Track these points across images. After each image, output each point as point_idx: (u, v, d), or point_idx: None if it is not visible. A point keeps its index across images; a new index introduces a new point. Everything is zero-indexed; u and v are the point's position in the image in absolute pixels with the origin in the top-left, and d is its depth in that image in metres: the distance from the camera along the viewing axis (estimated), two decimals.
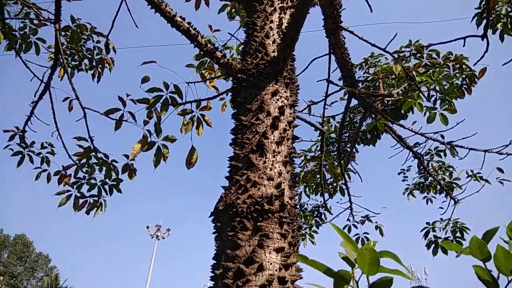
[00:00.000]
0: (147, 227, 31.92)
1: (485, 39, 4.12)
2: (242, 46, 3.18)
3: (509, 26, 4.93)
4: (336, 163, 4.93)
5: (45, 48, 5.58)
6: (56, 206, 4.96)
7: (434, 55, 5.43)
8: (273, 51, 2.89)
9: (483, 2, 4.98)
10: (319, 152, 4.43)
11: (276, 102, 2.62)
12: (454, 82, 5.30)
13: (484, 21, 4.04)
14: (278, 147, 2.49)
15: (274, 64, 2.66)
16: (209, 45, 3.05)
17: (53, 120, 5.18)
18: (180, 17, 3.10)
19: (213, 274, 2.16)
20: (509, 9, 5.07)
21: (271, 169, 2.39)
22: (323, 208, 6.24)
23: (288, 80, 2.72)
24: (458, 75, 5.62)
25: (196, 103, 4.32)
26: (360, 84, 5.59)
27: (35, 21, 5.31)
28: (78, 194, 5.16)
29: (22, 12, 5.29)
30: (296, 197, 2.47)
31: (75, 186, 5.16)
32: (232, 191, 2.35)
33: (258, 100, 2.60)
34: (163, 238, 31.99)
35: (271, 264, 2.04)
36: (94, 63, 5.76)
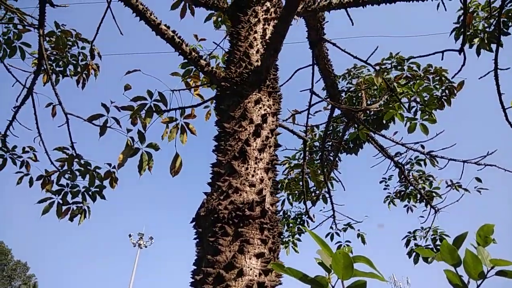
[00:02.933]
0: (129, 236, 31.17)
1: (462, 54, 4.28)
2: (227, 55, 3.24)
3: (485, 41, 5.13)
4: (319, 171, 5.01)
5: (29, 53, 5.53)
6: (34, 213, 4.89)
7: (414, 68, 5.60)
8: (257, 61, 2.96)
9: (461, 18, 5.17)
10: (302, 160, 4.49)
11: (259, 110, 2.67)
12: (434, 94, 5.46)
13: (462, 36, 4.19)
14: (260, 154, 2.53)
15: (257, 73, 2.72)
16: (193, 53, 3.10)
17: (35, 126, 5.14)
18: (165, 25, 3.14)
19: (193, 280, 2.17)
20: (485, 25, 5.28)
21: (253, 176, 2.43)
22: (306, 216, 6.30)
23: (271, 89, 2.78)
24: (437, 87, 5.79)
25: (181, 110, 4.34)
26: (343, 94, 5.70)
27: (19, 26, 5.27)
28: (61, 201, 5.09)
29: (5, 17, 5.25)
30: (278, 204, 2.51)
31: (57, 193, 5.09)
32: (214, 197, 2.38)
33: (241, 108, 2.65)
34: (146, 247, 31.38)
35: (251, 269, 2.07)
36: (79, 69, 5.74)
